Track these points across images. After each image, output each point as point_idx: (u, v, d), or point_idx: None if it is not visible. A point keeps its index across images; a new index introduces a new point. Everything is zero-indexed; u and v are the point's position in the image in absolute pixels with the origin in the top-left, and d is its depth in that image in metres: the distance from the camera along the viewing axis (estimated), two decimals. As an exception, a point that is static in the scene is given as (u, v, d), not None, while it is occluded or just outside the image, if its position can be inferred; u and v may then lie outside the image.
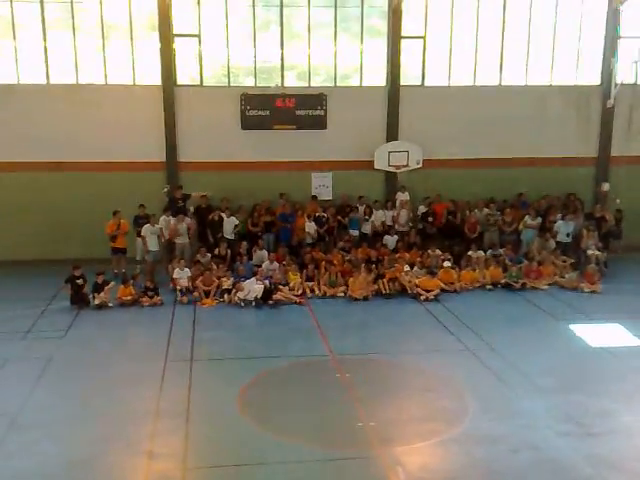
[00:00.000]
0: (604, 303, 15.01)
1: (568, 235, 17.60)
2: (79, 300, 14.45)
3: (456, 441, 8.85)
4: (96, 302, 14.45)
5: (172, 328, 13.34)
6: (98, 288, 14.63)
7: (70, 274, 14.55)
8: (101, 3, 17.58)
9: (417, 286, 15.39)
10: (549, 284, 16.22)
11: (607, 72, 19.29)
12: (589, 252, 17.18)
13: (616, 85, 18.99)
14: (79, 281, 14.55)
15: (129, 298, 14.73)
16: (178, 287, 15.19)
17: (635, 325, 13.29)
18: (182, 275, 15.38)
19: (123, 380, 10.68)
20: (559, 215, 18.01)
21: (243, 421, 9.34)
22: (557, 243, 17.52)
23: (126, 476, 8.15)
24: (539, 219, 18.09)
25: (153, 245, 16.52)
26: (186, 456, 8.44)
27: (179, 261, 15.82)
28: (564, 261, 16.99)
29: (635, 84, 19.49)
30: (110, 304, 14.56)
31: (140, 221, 16.81)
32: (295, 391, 10.44)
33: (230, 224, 17.34)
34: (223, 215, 17.31)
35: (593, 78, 19.71)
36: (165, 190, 17.89)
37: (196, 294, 15.09)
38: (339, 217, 18.18)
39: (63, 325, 13.38)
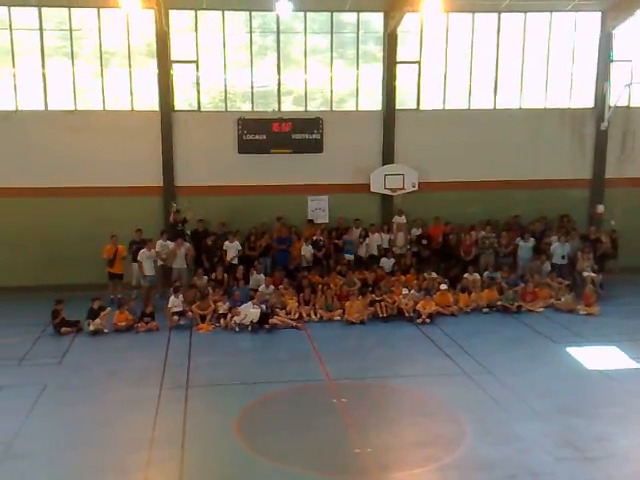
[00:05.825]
0: (601, 325, 15.00)
1: (563, 257, 17.63)
2: (63, 326, 14.41)
3: (454, 467, 8.80)
4: (91, 328, 14.38)
5: (168, 354, 13.31)
6: (94, 314, 14.57)
7: (53, 309, 14.53)
8: (100, 30, 17.81)
9: (415, 310, 15.37)
10: (545, 306, 16.23)
11: (600, 95, 19.48)
12: (585, 274, 17.19)
13: (609, 108, 19.20)
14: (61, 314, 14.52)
15: (124, 324, 14.69)
16: (172, 311, 15.07)
17: (632, 347, 13.28)
18: (176, 303, 15.18)
19: (118, 407, 10.62)
20: (554, 237, 18.03)
21: (240, 447, 9.28)
22: (552, 265, 17.57)
23: (121, 505, 8.10)
24: (532, 240, 18.11)
25: (149, 270, 16.51)
26: (182, 484, 8.38)
27: (176, 290, 15.51)
28: (560, 283, 17.01)
29: (628, 107, 19.68)
30: (106, 330, 14.51)
31: (136, 246, 16.80)
32: (292, 416, 10.39)
33: (234, 249, 17.20)
34: (227, 242, 17.15)
35: (587, 101, 19.89)
36: (174, 209, 17.50)
37: (190, 314, 15.04)
38: (334, 240, 18.13)
39: (58, 352, 13.33)
